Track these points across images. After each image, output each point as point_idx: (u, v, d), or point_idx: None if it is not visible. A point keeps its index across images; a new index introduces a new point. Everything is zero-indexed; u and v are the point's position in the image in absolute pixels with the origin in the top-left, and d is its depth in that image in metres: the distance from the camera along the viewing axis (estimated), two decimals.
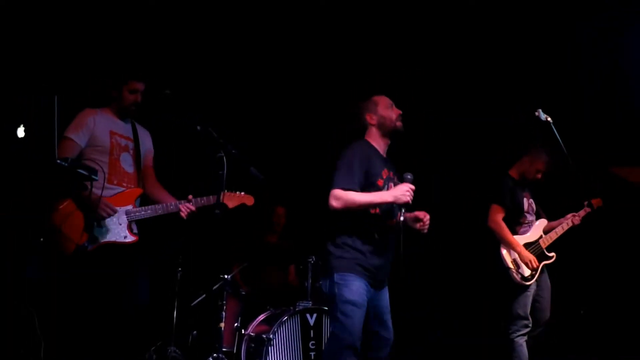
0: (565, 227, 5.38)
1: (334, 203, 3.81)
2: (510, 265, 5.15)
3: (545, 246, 5.32)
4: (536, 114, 4.08)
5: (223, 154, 3.93)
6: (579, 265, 6.14)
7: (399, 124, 4.10)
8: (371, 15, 6.36)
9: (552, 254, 5.34)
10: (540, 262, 5.24)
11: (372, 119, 4.12)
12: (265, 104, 6.76)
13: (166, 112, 4.23)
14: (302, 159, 6.89)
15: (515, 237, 5.24)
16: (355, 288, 3.81)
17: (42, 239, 4.07)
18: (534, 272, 5.17)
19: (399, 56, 6.63)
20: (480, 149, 6.55)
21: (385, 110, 4.11)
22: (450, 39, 6.54)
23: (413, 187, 3.81)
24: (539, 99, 4.98)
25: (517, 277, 5.13)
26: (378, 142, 4.12)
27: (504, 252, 5.18)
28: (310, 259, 5.70)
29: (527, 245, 5.24)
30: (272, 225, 6.76)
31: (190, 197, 4.37)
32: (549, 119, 4.06)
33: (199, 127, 3.99)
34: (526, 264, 5.13)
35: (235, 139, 4.19)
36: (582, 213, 5.41)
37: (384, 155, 4.14)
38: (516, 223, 5.30)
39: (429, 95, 6.64)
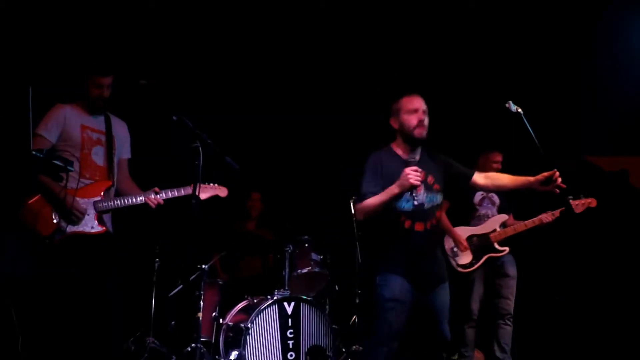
0: (529, 225, 5.52)
1: (358, 216, 3.95)
2: (448, 252, 5.52)
3: (497, 239, 5.54)
4: (507, 105, 4.13)
5: (199, 144, 3.94)
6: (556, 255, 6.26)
7: (417, 131, 3.92)
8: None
9: (504, 248, 5.56)
10: (484, 253, 5.52)
11: (395, 123, 4.01)
12: (241, 86, 6.73)
13: (142, 102, 4.21)
14: (279, 145, 6.91)
15: (462, 227, 5.60)
16: (393, 286, 3.84)
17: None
18: (473, 262, 5.49)
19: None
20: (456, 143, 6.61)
21: (406, 115, 3.95)
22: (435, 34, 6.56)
23: (415, 167, 3.72)
24: (510, 91, 5.04)
25: (454, 263, 5.50)
26: (402, 148, 4.01)
27: (445, 241, 5.55)
28: (288, 248, 5.71)
29: (472, 236, 5.56)
30: (248, 210, 6.78)
31: (156, 189, 4.37)
32: (520, 110, 4.10)
33: (174, 117, 3.99)
34: (455, 242, 5.49)
35: (211, 124, 4.19)
36: (557, 213, 5.52)
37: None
38: (468, 216, 5.68)
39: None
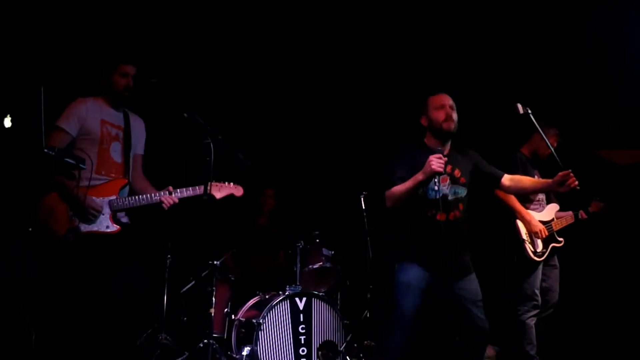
0: (576, 217, 5.45)
1: (387, 203, 4.05)
2: (525, 237, 5.16)
3: (556, 229, 5.35)
4: (515, 107, 4.13)
5: (210, 141, 3.94)
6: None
7: (445, 125, 4.15)
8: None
9: (561, 239, 5.37)
10: (550, 242, 5.27)
11: (425, 121, 4.26)
12: (253, 85, 6.73)
13: (153, 100, 4.21)
14: (293, 143, 6.90)
15: (529, 212, 5.25)
16: (408, 271, 4.06)
17: (30, 229, 4.08)
18: (544, 250, 5.21)
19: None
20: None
21: (434, 111, 4.20)
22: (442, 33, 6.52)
23: (439, 155, 3.87)
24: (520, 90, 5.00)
25: (530, 251, 5.15)
26: (432, 144, 4.21)
27: (520, 224, 5.20)
28: (299, 244, 5.72)
29: (541, 223, 5.23)
30: (260, 206, 6.79)
31: (170, 188, 4.34)
32: (528, 109, 4.10)
33: (185, 114, 4.00)
34: (535, 233, 5.14)
35: (224, 122, 4.19)
36: (590, 209, 5.50)
37: None
38: (527, 200, 5.29)
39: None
